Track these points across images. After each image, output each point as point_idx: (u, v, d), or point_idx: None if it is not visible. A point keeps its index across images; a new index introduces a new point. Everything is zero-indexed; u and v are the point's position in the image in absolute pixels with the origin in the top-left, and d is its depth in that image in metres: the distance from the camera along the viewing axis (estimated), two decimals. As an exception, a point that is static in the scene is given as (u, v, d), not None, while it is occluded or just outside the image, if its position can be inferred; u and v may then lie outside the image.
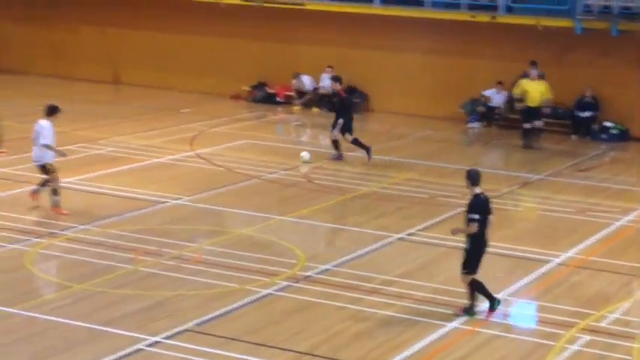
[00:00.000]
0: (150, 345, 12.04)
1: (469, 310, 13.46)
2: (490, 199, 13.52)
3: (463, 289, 13.54)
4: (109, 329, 12.45)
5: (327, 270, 15.16)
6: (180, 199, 18.98)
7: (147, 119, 27.22)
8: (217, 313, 13.17)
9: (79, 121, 25.96)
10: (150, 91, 31.95)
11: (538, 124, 25.53)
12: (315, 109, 29.88)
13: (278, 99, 30.91)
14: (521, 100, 25.71)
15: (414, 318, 13.28)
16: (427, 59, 29.48)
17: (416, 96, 29.65)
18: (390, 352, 12.16)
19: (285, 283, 14.46)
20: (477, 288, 13.41)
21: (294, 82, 30.29)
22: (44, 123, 17.78)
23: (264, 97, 31.08)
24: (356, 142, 22.94)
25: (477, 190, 13.24)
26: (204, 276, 14.61)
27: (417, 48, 29.57)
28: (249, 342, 12.25)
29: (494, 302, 13.46)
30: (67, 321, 12.66)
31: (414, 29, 29.31)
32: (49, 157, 17.66)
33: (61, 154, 17.99)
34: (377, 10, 29.21)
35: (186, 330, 12.54)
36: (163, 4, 31.96)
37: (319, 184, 20.67)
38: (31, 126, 22.54)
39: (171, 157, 22.70)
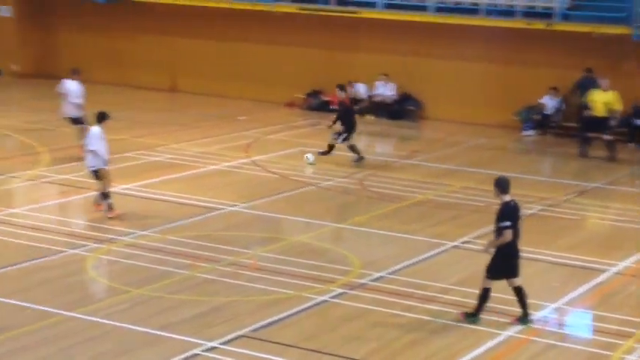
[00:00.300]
0: (206, 350, 12.16)
1: (523, 319, 13.43)
2: (519, 206, 13.42)
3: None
4: (165, 334, 12.60)
5: (382, 277, 15.21)
6: (236, 205, 19.13)
7: (203, 126, 27.46)
8: (273, 319, 13.27)
9: (136, 128, 26.32)
10: (206, 98, 32.23)
11: (606, 137, 25.13)
12: (369, 117, 29.92)
13: (332, 107, 30.97)
14: (588, 108, 25.42)
15: (469, 326, 13.26)
16: (482, 67, 29.40)
17: (470, 103, 29.57)
18: (446, 361, 12.21)
19: (340, 290, 14.52)
20: (517, 293, 13.35)
21: (348, 89, 30.34)
22: (94, 129, 18.11)
23: (318, 104, 31.20)
24: (353, 148, 23.44)
25: (507, 197, 13.20)
26: (260, 282, 14.73)
27: (472, 55, 29.50)
28: (304, 348, 12.33)
29: (525, 318, 13.37)
30: (124, 325, 12.85)
31: (468, 37, 29.25)
32: (101, 163, 17.93)
33: (104, 162, 18.17)
34: (432, 18, 29.20)
35: (242, 336, 12.65)
36: (220, 13, 32.22)
37: (375, 192, 20.71)
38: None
39: (227, 164, 22.89)
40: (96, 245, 16.22)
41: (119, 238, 16.67)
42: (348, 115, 23.55)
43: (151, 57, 33.97)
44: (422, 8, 29.51)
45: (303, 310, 13.72)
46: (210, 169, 22.35)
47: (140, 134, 25.69)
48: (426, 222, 18.37)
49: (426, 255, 16.29)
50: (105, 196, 17.92)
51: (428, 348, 12.54)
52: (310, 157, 23.09)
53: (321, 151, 23.54)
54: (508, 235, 13.01)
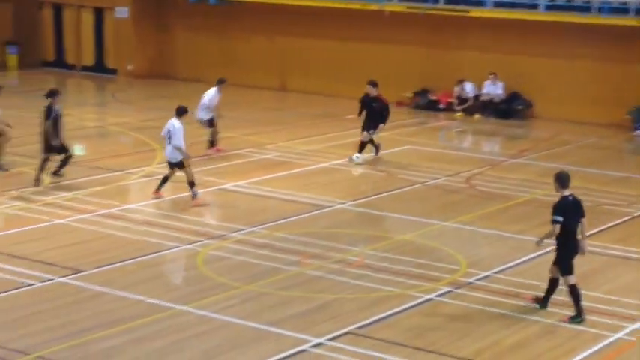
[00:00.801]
0: (313, 346, 12.38)
1: (575, 318, 13.39)
2: (581, 202, 13.49)
3: (629, 299, 13.40)
4: (274, 329, 12.86)
5: (488, 276, 15.24)
6: (343, 203, 19.35)
7: (312, 125, 27.78)
8: (379, 316, 13.42)
9: (247, 126, 26.79)
10: (315, 97, 32.56)
11: None
12: (476, 116, 29.83)
13: (440, 105, 31.01)
14: None
15: (578, 327, 13.22)
16: (592, 65, 29.03)
17: (580, 102, 29.23)
18: (552, 361, 12.20)
19: (446, 289, 14.61)
20: (572, 293, 13.41)
21: (456, 88, 30.31)
22: (177, 124, 18.76)
23: (426, 103, 31.24)
24: (372, 142, 23.36)
25: (566, 192, 13.38)
26: (367, 280, 14.91)
27: (582, 54, 29.15)
28: (409, 346, 12.44)
29: (578, 316, 13.38)
30: (234, 320, 13.15)
31: (578, 35, 28.91)
32: (182, 156, 18.79)
33: (187, 156, 18.93)
34: (541, 16, 28.96)
35: (349, 333, 12.83)
36: (329, 13, 32.52)
37: (481, 191, 20.70)
38: (201, 131, 23.45)
39: (335, 162, 23.13)
40: (207, 241, 16.62)
41: (230, 234, 17.05)
42: (383, 112, 23.23)
43: (262, 57, 34.48)
44: (532, 6, 29.28)
45: (409, 308, 13.84)
46: (319, 167, 22.62)
47: (250, 132, 26.14)
48: (532, 222, 18.29)
49: (532, 255, 16.22)
50: (192, 185, 18.68)
51: (533, 349, 12.53)
52: (358, 157, 22.86)
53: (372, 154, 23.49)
54: (556, 229, 13.23)
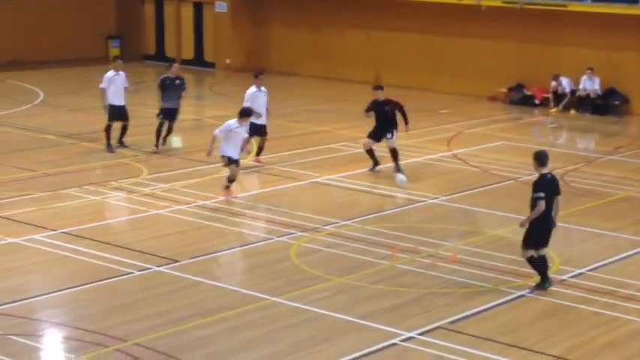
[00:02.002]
0: (404, 340, 12.46)
1: (541, 285, 14.10)
2: (557, 179, 14.11)
3: None
4: (365, 322, 12.98)
5: (581, 274, 15.14)
6: (436, 198, 19.40)
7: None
8: (470, 312, 13.45)
9: (341, 120, 26.96)
10: (409, 92, 32.47)
11: None
12: (572, 112, 29.51)
13: (535, 101, 30.75)
14: None
15: (671, 327, 13.10)
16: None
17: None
18: (645, 362, 12.10)
19: (538, 286, 14.58)
20: (537, 262, 14.06)
21: (552, 83, 30.03)
22: (232, 122, 19.05)
23: (521, 98, 31.01)
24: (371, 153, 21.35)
25: (544, 170, 13.98)
26: (458, 275, 14.95)
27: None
28: (501, 343, 12.44)
29: (545, 283, 14.12)
30: (326, 312, 13.31)
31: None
32: (237, 154, 18.92)
33: (236, 163, 19.01)
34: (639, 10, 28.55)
35: (440, 327, 12.89)
36: (425, 7, 32.48)
37: (576, 187, 20.52)
38: (298, 125, 23.69)
39: (428, 156, 23.18)
40: (300, 233, 16.85)
41: (323, 227, 17.24)
42: (395, 113, 21.39)
43: (357, 51, 34.62)
44: (632, 1, 28.83)
45: (500, 304, 13.82)
46: (412, 162, 22.68)
47: (344, 126, 26.31)
48: (628, 219, 18.09)
49: (627, 253, 16.05)
50: (231, 180, 18.91)
51: (627, 349, 12.41)
52: (402, 178, 20.29)
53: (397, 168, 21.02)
54: (541, 205, 13.74)
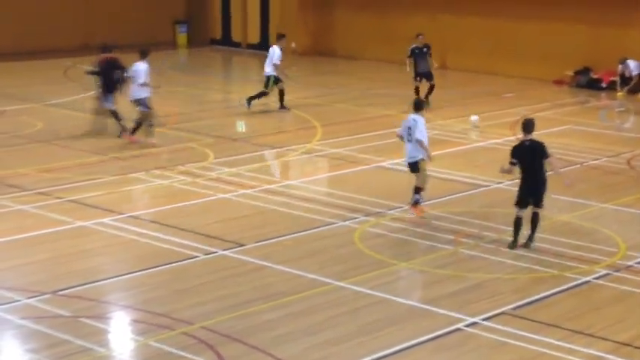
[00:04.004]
0: (468, 325, 12.48)
1: (510, 245, 15.32)
2: (541, 145, 15.03)
3: None
4: (429, 307, 13.03)
5: (648, 260, 15.03)
6: (501, 183, 19.31)
7: (471, 103, 27.69)
8: (535, 297, 13.41)
9: (405, 104, 26.83)
10: (474, 75, 32.45)
11: None
12: (639, 96, 29.12)
13: (602, 84, 30.39)
14: None
15: None
16: None
17: None
18: None
19: (604, 272, 14.47)
20: (515, 224, 15.34)
21: (620, 67, 29.64)
22: (417, 118, 16.89)
23: (587, 82, 30.68)
24: None
25: (526, 137, 15.14)
26: (523, 260, 14.91)
27: None
28: (566, 329, 12.39)
29: (513, 243, 15.34)
30: (391, 297, 13.38)
31: None
32: (422, 154, 16.96)
33: (427, 152, 17.07)
34: None
35: (504, 313, 12.88)
36: (490, -12, 32.32)
37: (643, 173, 20.31)
38: (364, 109, 23.76)
39: (493, 141, 23.08)
40: (364, 218, 16.92)
41: (387, 212, 17.29)
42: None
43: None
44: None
45: (565, 289, 13.77)
46: (476, 146, 22.62)
47: (408, 110, 26.14)
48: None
49: (696, 239, 15.88)
50: (417, 190, 17.07)
51: (693, 335, 12.34)
52: (475, 119, 24.38)
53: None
54: (511, 169, 15.32)
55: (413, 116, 16.93)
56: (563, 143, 22.85)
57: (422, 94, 25.63)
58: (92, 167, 20.17)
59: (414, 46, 26.75)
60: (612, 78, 30.09)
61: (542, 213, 15.54)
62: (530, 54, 31.85)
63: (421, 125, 16.81)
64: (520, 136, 15.71)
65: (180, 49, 39.39)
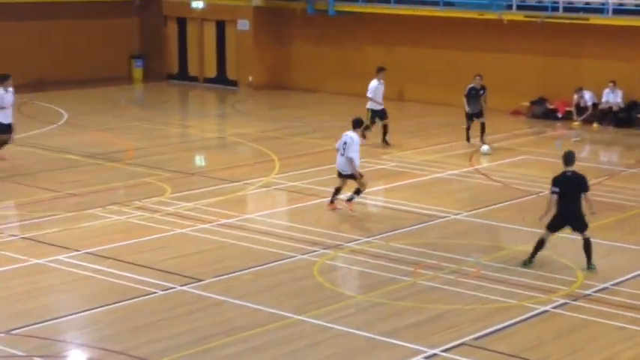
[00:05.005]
0: (428, 357, 12.45)
1: (526, 262, 15.91)
2: (584, 178, 15.67)
3: None
4: (388, 340, 12.98)
5: (606, 288, 15.07)
6: (459, 213, 19.37)
7: (429, 135, 27.82)
8: (494, 328, 13.42)
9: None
10: (432, 107, 32.57)
11: None
12: (595, 125, 29.41)
13: (558, 114, 30.67)
14: None
15: (697, 341, 13.01)
16: None
17: None
18: (671, 376, 12.03)
19: (562, 301, 14.51)
20: (538, 243, 15.83)
21: (575, 97, 29.94)
22: (355, 136, 19.10)
23: (543, 112, 30.94)
24: None
25: (568, 169, 15.70)
26: (482, 291, 14.91)
27: None
28: (525, 358, 12.41)
29: (529, 261, 15.91)
30: (350, 330, 13.32)
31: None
32: (355, 168, 19.04)
33: (360, 175, 19.14)
34: (664, 22, 28.44)
35: (464, 344, 12.86)
36: (446, 22, 32.52)
37: (600, 201, 20.34)
38: (321, 142, 23.82)
39: (451, 172, 23.15)
40: (323, 251, 16.86)
41: (346, 244, 17.25)
42: None
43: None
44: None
45: (525, 319, 13.80)
46: (434, 177, 22.67)
47: (367, 143, 26.21)
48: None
49: (652, 267, 15.99)
50: (358, 192, 19.18)
51: (652, 362, 12.39)
52: (486, 148, 24.96)
53: None
54: (551, 198, 15.59)
55: (350, 133, 19.01)
56: (520, 173, 23.00)
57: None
58: (46, 204, 19.96)
59: (471, 86, 26.57)
60: (568, 108, 30.37)
61: (500, 244, 15.55)
62: (487, 85, 31.98)
63: (356, 145, 18.95)
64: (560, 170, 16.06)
65: (136, 84, 39.27)
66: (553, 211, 15.75)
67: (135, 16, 40.24)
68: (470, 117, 26.48)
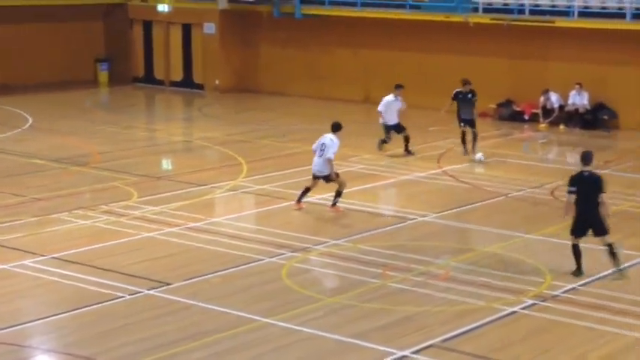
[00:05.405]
0: (397, 359, 12.42)
1: (575, 272, 15.56)
2: (599, 179, 15.33)
3: None
4: (357, 342, 12.95)
5: (574, 289, 15.12)
6: (427, 215, 19.38)
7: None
8: (463, 329, 13.43)
9: (330, 139, 26.86)
10: (399, 109, 32.54)
11: None
12: (561, 127, 29.56)
13: (525, 117, 30.79)
14: None
15: (664, 341, 13.07)
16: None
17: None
18: (638, 375, 12.08)
19: (531, 302, 14.54)
20: (573, 252, 15.55)
21: (541, 99, 30.08)
22: (334, 138, 19.37)
23: (510, 114, 31.06)
24: None
25: (585, 168, 15.43)
26: (451, 293, 14.91)
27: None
28: (494, 359, 12.44)
29: (577, 271, 15.57)
30: (319, 332, 13.28)
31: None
32: (332, 169, 19.39)
33: (336, 175, 19.40)
34: (628, 25, 28.61)
35: (433, 345, 12.86)
36: (413, 25, 32.57)
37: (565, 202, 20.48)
38: (288, 145, 23.77)
39: (419, 174, 23.16)
40: (292, 254, 16.80)
41: (314, 247, 17.20)
42: None
43: (345, 70, 34.68)
44: (618, 16, 28.95)
45: (493, 320, 13.81)
46: (402, 180, 22.67)
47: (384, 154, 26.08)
48: (619, 234, 18.00)
49: (619, 267, 16.01)
50: (338, 194, 19.44)
51: (621, 362, 12.44)
52: (480, 156, 24.20)
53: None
54: (569, 197, 15.43)
55: (330, 136, 19.33)
56: (488, 175, 23.06)
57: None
58: (11, 209, 19.76)
59: (457, 90, 25.64)
60: (534, 110, 30.50)
61: (469, 246, 15.56)
62: (453, 87, 32.02)
63: (336, 146, 19.28)
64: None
65: (102, 88, 39.01)
66: (573, 211, 15.54)
67: (100, 20, 39.99)
68: (462, 122, 25.26)
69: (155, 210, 19.56)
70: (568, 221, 17.44)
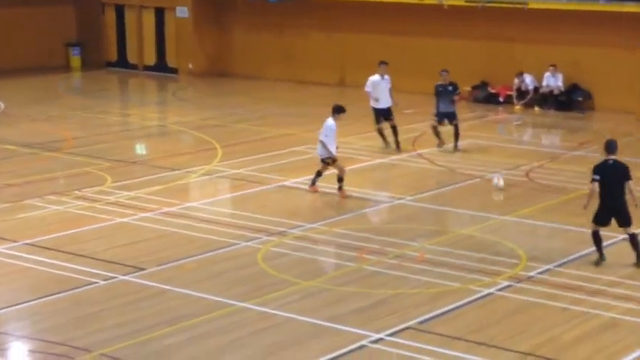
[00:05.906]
0: (373, 342, 12.45)
1: (597, 262, 15.28)
2: (626, 167, 15.17)
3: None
4: (333, 325, 12.96)
5: (548, 270, 15.17)
6: (402, 198, 19.37)
7: (371, 120, 27.73)
8: (439, 311, 13.45)
9: (307, 123, 26.79)
10: (373, 92, 32.51)
11: None
12: (536, 109, 29.62)
13: (499, 99, 30.83)
14: None
15: (639, 320, 13.12)
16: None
17: (640, 93, 28.87)
18: (615, 356, 12.11)
19: (506, 283, 14.58)
20: (593, 239, 15.35)
21: (516, 81, 30.12)
22: (330, 121, 19.62)
23: (485, 97, 31.08)
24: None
25: (610, 157, 15.22)
26: (426, 275, 14.92)
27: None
28: (470, 341, 12.46)
29: (600, 259, 15.37)
30: (294, 316, 13.27)
31: (639, 25, 28.53)
32: (328, 153, 19.47)
33: (330, 153, 19.48)
34: (601, 6, 28.64)
35: (409, 328, 12.88)
36: (387, 8, 32.49)
37: (541, 184, 20.57)
38: (262, 129, 23.70)
39: (394, 157, 23.15)
40: (267, 238, 16.75)
41: (289, 230, 17.16)
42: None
43: (320, 53, 34.56)
44: (592, -3, 29.02)
45: (469, 302, 13.85)
46: (378, 162, 22.66)
47: (310, 129, 26.12)
48: (591, 214, 18.10)
49: (593, 248, 16.06)
50: (340, 179, 19.45)
51: (595, 343, 12.47)
52: (499, 181, 20.29)
53: None
54: (593, 185, 15.19)
55: (329, 118, 19.72)
56: (463, 157, 23.07)
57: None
58: (-15, 195, 19.60)
59: (437, 83, 24.62)
60: (509, 92, 30.53)
61: (444, 228, 15.56)
62: (429, 70, 32.00)
63: (328, 129, 19.49)
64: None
65: (74, 72, 38.72)
66: (596, 200, 15.27)
67: (71, 4, 39.64)
68: (440, 116, 24.10)
69: (129, 195, 19.44)
70: (544, 202, 17.61)
